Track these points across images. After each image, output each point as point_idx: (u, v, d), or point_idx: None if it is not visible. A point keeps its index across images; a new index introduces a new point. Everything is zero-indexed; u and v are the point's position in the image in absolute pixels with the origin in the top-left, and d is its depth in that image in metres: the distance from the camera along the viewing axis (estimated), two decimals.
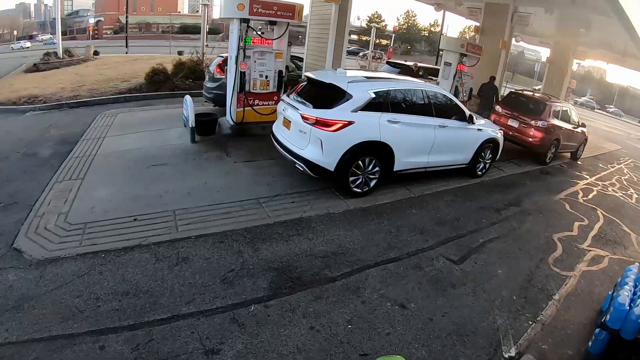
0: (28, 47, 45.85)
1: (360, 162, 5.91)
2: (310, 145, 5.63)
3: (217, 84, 9.93)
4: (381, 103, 5.96)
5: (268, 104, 8.52)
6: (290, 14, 8.12)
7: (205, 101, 10.78)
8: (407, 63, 16.09)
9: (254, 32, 8.21)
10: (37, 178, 6.75)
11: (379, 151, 6.00)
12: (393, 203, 6.35)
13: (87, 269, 4.13)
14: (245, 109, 8.32)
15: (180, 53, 18.24)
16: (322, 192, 6.22)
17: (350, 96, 5.64)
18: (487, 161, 8.14)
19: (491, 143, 7.65)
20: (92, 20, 76.89)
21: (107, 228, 4.88)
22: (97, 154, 7.62)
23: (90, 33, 69.81)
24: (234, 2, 7.51)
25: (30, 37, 68.16)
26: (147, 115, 10.75)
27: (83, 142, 8.51)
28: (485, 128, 7.81)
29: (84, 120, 10.35)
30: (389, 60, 20.73)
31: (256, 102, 8.48)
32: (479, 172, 8.07)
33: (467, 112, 7.34)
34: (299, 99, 6.05)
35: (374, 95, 5.84)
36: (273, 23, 8.35)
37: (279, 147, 6.31)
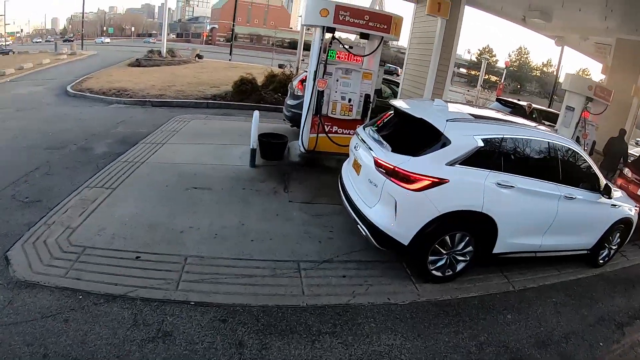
0: (108, 43, 53.22)
1: (447, 237, 4.54)
2: (379, 204, 4.47)
3: (296, 102, 9.44)
4: (490, 156, 4.54)
5: (348, 133, 7.65)
6: (385, 27, 7.18)
7: (284, 119, 10.40)
8: (520, 102, 14.32)
9: (340, 45, 7.45)
10: (74, 178, 6.83)
11: (476, 225, 4.57)
12: (482, 298, 4.79)
13: (56, 310, 3.67)
14: (320, 135, 7.54)
15: (281, 66, 18.79)
16: (388, 266, 4.98)
17: (448, 141, 4.32)
18: (614, 247, 6.28)
19: (623, 224, 6.11)
20: (208, 27, 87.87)
21: (102, 261, 4.37)
22: (145, 162, 7.61)
23: (204, 38, 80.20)
24: (316, 7, 6.92)
25: (150, 35, 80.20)
26: (220, 126, 10.75)
27: (140, 146, 8.68)
28: (621, 204, 5.87)
29: (156, 121, 10.92)
30: (499, 97, 18.82)
31: (333, 128, 7.66)
32: (601, 261, 6.12)
33: (603, 180, 5.51)
34: (377, 135, 4.94)
35: (481, 144, 4.44)
36: (365, 36, 7.51)
37: (342, 196, 5.26)
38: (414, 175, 4.21)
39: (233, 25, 42.81)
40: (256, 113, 7.87)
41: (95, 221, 5.23)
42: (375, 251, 4.94)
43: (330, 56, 7.33)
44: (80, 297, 3.86)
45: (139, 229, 5.04)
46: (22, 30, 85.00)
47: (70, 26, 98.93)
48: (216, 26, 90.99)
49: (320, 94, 7.28)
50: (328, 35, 7.21)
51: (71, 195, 6.02)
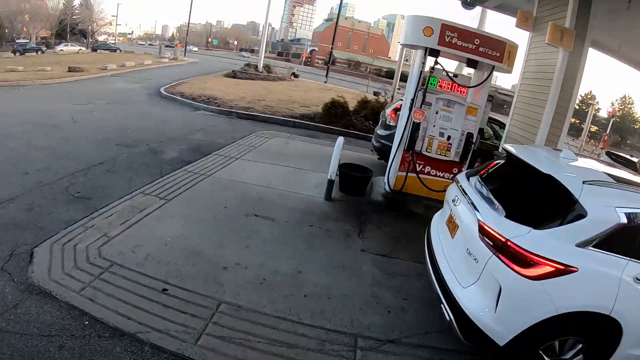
0: (195, 51, 57.57)
1: (557, 342, 3.36)
2: (477, 286, 3.42)
3: (387, 133, 8.69)
4: (633, 238, 3.26)
5: (442, 177, 6.69)
6: (498, 54, 6.22)
7: (372, 150, 9.70)
8: (633, 159, 12.43)
9: (443, 72, 6.58)
10: (134, 180, 6.75)
11: (597, 331, 3.30)
12: None
13: (55, 331, 3.31)
14: (409, 174, 6.65)
15: (376, 94, 18.43)
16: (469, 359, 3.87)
17: (583, 212, 3.16)
18: None
19: None
20: (308, 49, 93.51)
21: (125, 284, 3.93)
22: (211, 175, 7.40)
23: (303, 59, 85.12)
24: (418, 24, 6.16)
25: (252, 52, 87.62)
26: (302, 148, 10.37)
27: (212, 157, 8.58)
28: None
29: (237, 134, 11.01)
30: (609, 151, 16.43)
31: (426, 168, 6.74)
32: None
33: None
34: (486, 190, 3.89)
35: (625, 220, 3.19)
36: (472, 64, 6.54)
37: (427, 259, 4.28)
38: (534, 257, 3.13)
39: (332, 48, 45.71)
40: (340, 140, 7.23)
41: (134, 234, 4.90)
42: (457, 339, 3.85)
43: (431, 84, 6.50)
44: (87, 322, 3.42)
45: (178, 255, 4.53)
46: (132, 32, 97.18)
47: (177, 34, 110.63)
48: (316, 49, 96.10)
49: (416, 127, 6.42)
50: (430, 59, 6.40)
51: (122, 199, 5.90)
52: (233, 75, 24.87)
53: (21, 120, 11.49)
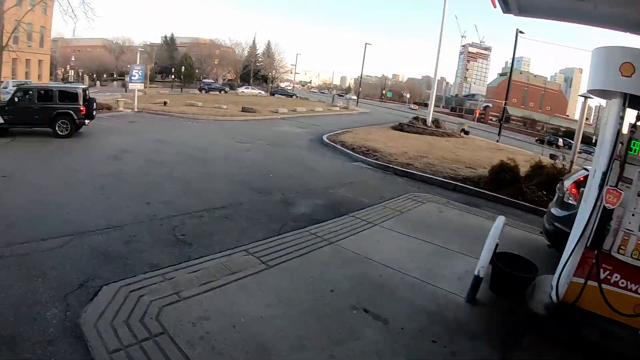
0: (353, 99, 61.52)
1: None
2: None
3: (564, 214, 6.57)
4: None
5: (636, 293, 4.41)
6: None
7: (541, 232, 7.46)
8: None
9: None
10: (246, 233, 6.53)
11: None
12: None
13: None
14: (589, 282, 4.52)
15: (552, 157, 15.75)
16: None
17: None
18: None
19: None
20: (481, 105, 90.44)
21: None
22: (334, 243, 6.30)
23: (476, 116, 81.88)
24: (612, 60, 4.15)
25: (425, 105, 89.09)
26: (457, 219, 8.75)
27: (347, 219, 7.60)
28: None
29: (386, 193, 9.95)
30: None
31: (614, 277, 4.51)
32: None
33: None
34: None
35: None
36: None
37: None
38: None
39: (505, 104, 44.27)
40: (500, 220, 5.58)
41: (208, 301, 4.22)
42: None
43: (633, 151, 4.39)
44: None
45: (240, 346, 3.61)
46: (311, 81, 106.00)
47: (354, 85, 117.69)
48: (490, 105, 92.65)
49: (607, 215, 4.36)
50: (631, 113, 4.36)
51: (221, 254, 5.39)
52: (400, 128, 24.41)
53: (178, 150, 12.71)
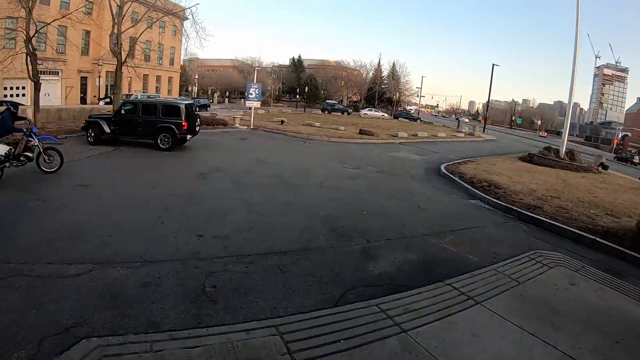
0: (466, 122, 56.42)
1: None
2: None
3: None
4: None
5: None
6: None
7: None
8: None
9: None
10: (287, 297, 4.89)
11: None
12: None
13: None
14: None
15: None
16: None
17: None
18: None
19: None
20: (619, 134, 78.22)
21: None
22: (403, 332, 4.27)
23: (614, 146, 70.48)
24: None
25: (557, 134, 79.47)
26: (593, 301, 5.93)
27: (436, 290, 5.41)
28: None
29: (504, 249, 7.47)
30: None
31: None
32: None
33: None
34: None
35: None
36: None
37: None
38: None
39: None
40: None
41: None
42: None
43: None
44: None
45: None
46: (437, 104, 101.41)
47: (482, 110, 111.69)
48: (629, 134, 78.66)
49: None
50: None
51: (239, 327, 3.94)
52: (529, 159, 21.06)
53: (273, 173, 11.91)
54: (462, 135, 35.06)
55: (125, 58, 21.25)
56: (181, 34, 42.94)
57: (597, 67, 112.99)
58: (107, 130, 14.44)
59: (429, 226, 8.08)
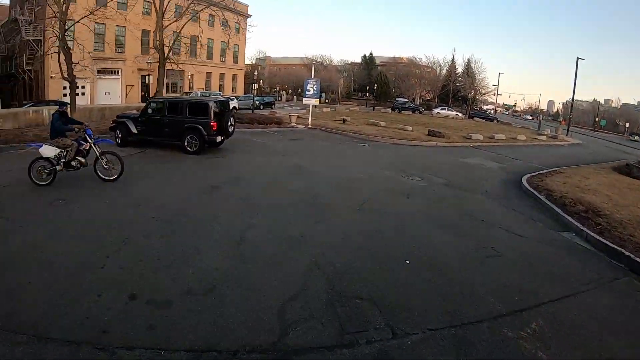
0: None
1: None
2: None
3: None
4: None
5: None
6: None
7: None
8: None
9: None
10: None
11: None
12: None
13: None
14: None
15: None
16: None
17: None
18: None
19: None
20: None
21: None
22: None
23: None
24: None
25: None
26: None
27: None
28: None
29: (621, 343, 4.53)
30: None
31: None
32: None
33: None
34: None
35: None
36: None
37: None
38: None
39: None
40: None
41: None
42: None
43: None
44: None
45: None
46: (515, 104, 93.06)
47: (562, 110, 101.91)
48: None
49: None
50: None
51: None
52: (627, 170, 16.77)
53: (307, 185, 10.08)
54: (544, 138, 30.38)
55: (168, 54, 19.99)
56: (245, 32, 42.48)
57: None
58: (134, 130, 13.12)
59: (503, 293, 5.05)
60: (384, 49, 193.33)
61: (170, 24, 20.07)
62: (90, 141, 8.85)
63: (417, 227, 7.41)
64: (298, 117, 25.68)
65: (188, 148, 12.55)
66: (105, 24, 33.39)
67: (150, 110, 13.34)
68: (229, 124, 13.25)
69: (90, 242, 5.60)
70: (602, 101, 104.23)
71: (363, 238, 6.55)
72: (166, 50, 19.91)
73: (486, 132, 27.07)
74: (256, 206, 7.79)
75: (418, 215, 8.15)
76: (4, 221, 6.20)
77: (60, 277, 4.53)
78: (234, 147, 14.36)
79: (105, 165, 8.90)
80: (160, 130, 12.88)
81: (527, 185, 11.80)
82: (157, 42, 20.11)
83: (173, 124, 12.69)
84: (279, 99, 60.36)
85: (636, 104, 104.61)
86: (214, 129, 12.41)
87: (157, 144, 13.19)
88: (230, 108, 14.00)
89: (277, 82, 75.95)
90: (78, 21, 18.07)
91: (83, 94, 33.22)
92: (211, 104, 12.64)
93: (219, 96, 29.79)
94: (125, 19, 31.30)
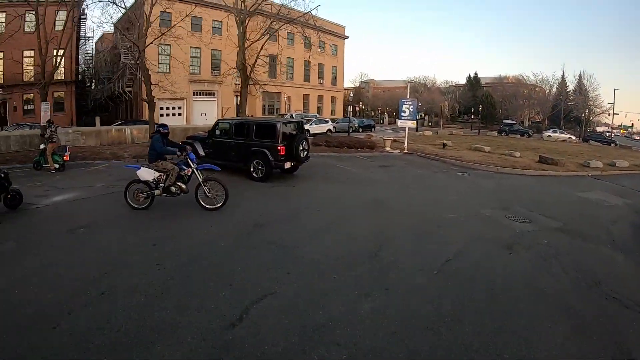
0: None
1: None
2: None
3: None
4: None
5: None
6: None
7: None
8: None
9: None
10: None
11: None
12: None
13: None
14: None
15: None
16: None
17: None
18: None
19: None
20: None
21: None
22: None
23: None
24: None
25: None
26: None
27: None
28: None
29: None
30: None
31: None
32: None
33: None
34: None
35: None
36: None
37: None
38: None
39: None
40: None
41: None
42: None
43: None
44: None
45: None
46: (632, 124, 79.98)
47: None
48: None
49: None
50: None
51: None
52: None
53: (373, 230, 7.76)
54: None
55: (250, 74, 19.14)
56: (343, 54, 41.55)
57: None
58: (201, 153, 12.14)
59: None
60: (490, 69, 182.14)
61: (250, 44, 19.35)
62: (192, 166, 8.11)
63: (518, 314, 4.68)
64: (395, 140, 23.49)
65: (254, 174, 11.20)
66: (200, 48, 35.01)
67: (218, 132, 12.31)
68: (301, 148, 11.53)
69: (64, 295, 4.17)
70: None
71: (429, 335, 4.14)
72: (248, 69, 19.16)
73: (605, 158, 22.21)
74: (292, 260, 5.84)
75: (521, 287, 5.40)
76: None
77: None
78: (313, 173, 12.80)
79: (208, 192, 8.20)
80: (227, 154, 11.73)
81: None
82: (241, 62, 19.45)
83: (239, 147, 11.48)
84: (381, 121, 58.39)
85: None
86: (281, 153, 10.89)
87: (227, 167, 11.84)
88: (304, 130, 12.31)
89: (379, 105, 74.21)
90: (148, 45, 18.06)
91: (180, 114, 34.94)
92: (279, 125, 11.09)
93: (293, 117, 28.74)
94: (220, 42, 31.84)
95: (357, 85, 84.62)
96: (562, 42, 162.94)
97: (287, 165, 11.26)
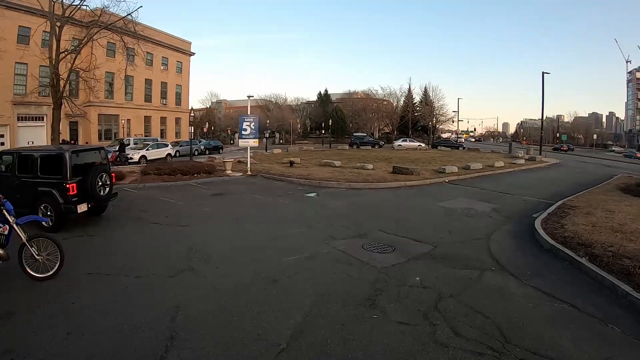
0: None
1: None
2: None
3: None
4: None
5: None
6: None
7: None
8: None
9: None
10: None
11: None
12: None
13: None
14: None
15: None
16: None
17: None
18: None
19: None
20: None
21: None
22: None
23: None
24: None
25: (605, 147, 77.09)
26: None
27: None
28: None
29: None
30: None
31: None
32: None
33: None
34: None
35: None
36: None
37: None
38: None
39: None
40: None
41: None
42: None
43: None
44: None
45: None
46: (475, 129, 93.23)
47: (521, 130, 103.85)
48: None
49: None
50: None
51: None
52: (638, 190, 13.62)
53: (157, 314, 4.81)
54: (523, 162, 26.67)
55: (63, 90, 15.77)
56: (189, 72, 38.64)
57: (630, 72, 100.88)
58: None
59: None
60: (340, 85, 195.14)
61: (64, 57, 15.93)
62: (10, 220, 5.89)
63: None
64: (239, 161, 21.64)
65: (43, 223, 8.14)
66: (27, 64, 29.48)
67: (3, 168, 9.07)
68: (100, 183, 8.85)
69: None
70: (553, 117, 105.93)
71: None
72: (62, 84, 15.74)
73: (458, 162, 23.36)
74: None
75: None
76: None
77: None
78: (127, 211, 10.33)
79: (37, 255, 5.96)
80: (13, 196, 7.91)
81: (546, 236, 8.02)
82: (53, 77, 15.85)
83: (24, 187, 8.52)
84: (232, 142, 56.27)
85: (587, 115, 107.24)
86: (72, 192, 8.21)
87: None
88: (103, 158, 9.48)
89: (230, 125, 72.37)
90: None
91: (2, 143, 28.86)
92: (67, 155, 8.35)
93: (131, 142, 25.49)
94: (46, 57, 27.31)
95: (208, 106, 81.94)
96: (408, 56, 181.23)
97: (83, 207, 8.54)
